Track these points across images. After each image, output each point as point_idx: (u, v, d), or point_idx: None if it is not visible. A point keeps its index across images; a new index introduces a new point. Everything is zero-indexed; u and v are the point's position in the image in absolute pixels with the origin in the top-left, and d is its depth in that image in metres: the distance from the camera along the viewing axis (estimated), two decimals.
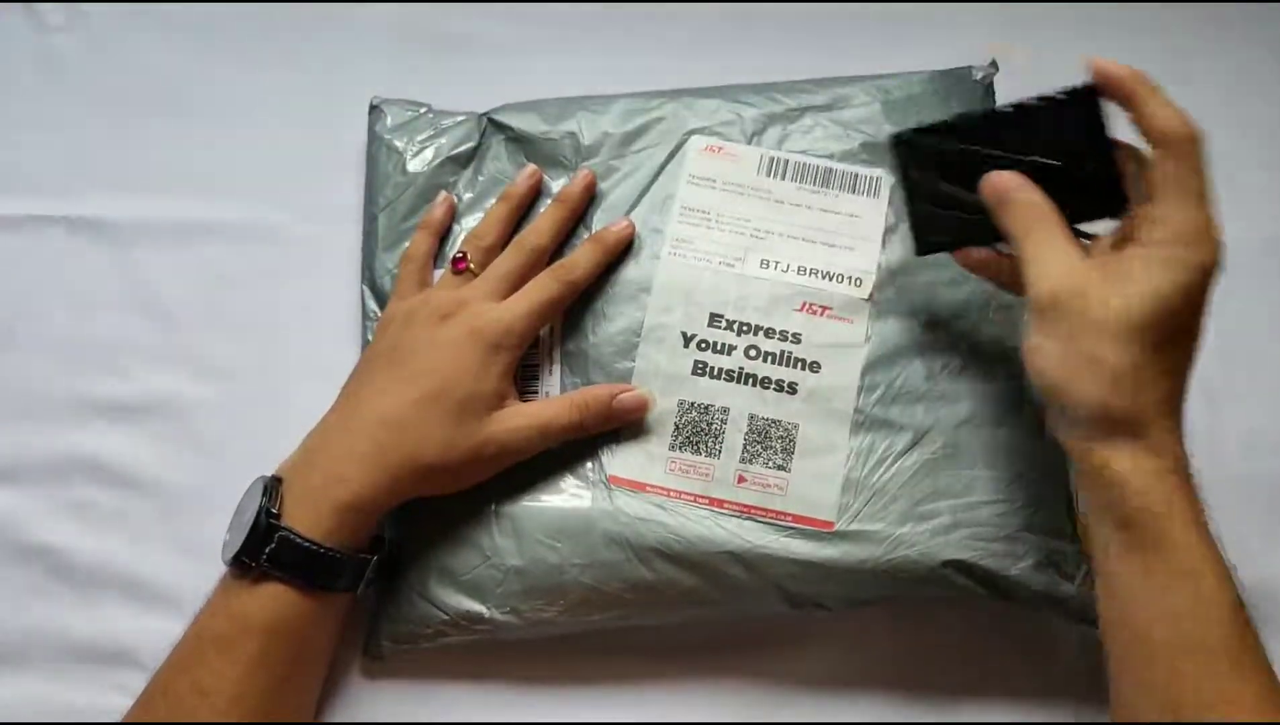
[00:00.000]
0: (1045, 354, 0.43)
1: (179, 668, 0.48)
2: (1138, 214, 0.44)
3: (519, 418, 0.52)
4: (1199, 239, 0.42)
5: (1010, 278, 0.51)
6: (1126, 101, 0.44)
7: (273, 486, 0.50)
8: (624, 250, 0.57)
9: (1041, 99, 0.46)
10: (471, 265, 0.56)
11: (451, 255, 0.56)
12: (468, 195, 0.60)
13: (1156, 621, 0.42)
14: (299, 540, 0.48)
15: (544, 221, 0.57)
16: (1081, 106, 0.45)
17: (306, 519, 0.48)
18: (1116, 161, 0.46)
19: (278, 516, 0.48)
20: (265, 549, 0.48)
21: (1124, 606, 0.43)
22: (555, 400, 0.54)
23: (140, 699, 0.49)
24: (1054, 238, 0.44)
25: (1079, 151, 0.46)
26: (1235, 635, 0.41)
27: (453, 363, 0.51)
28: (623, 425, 0.53)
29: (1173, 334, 0.43)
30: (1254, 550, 0.56)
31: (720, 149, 0.59)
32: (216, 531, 0.58)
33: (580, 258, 0.55)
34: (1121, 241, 0.45)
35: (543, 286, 0.54)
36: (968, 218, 0.49)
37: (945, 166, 0.49)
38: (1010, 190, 0.46)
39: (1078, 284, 0.42)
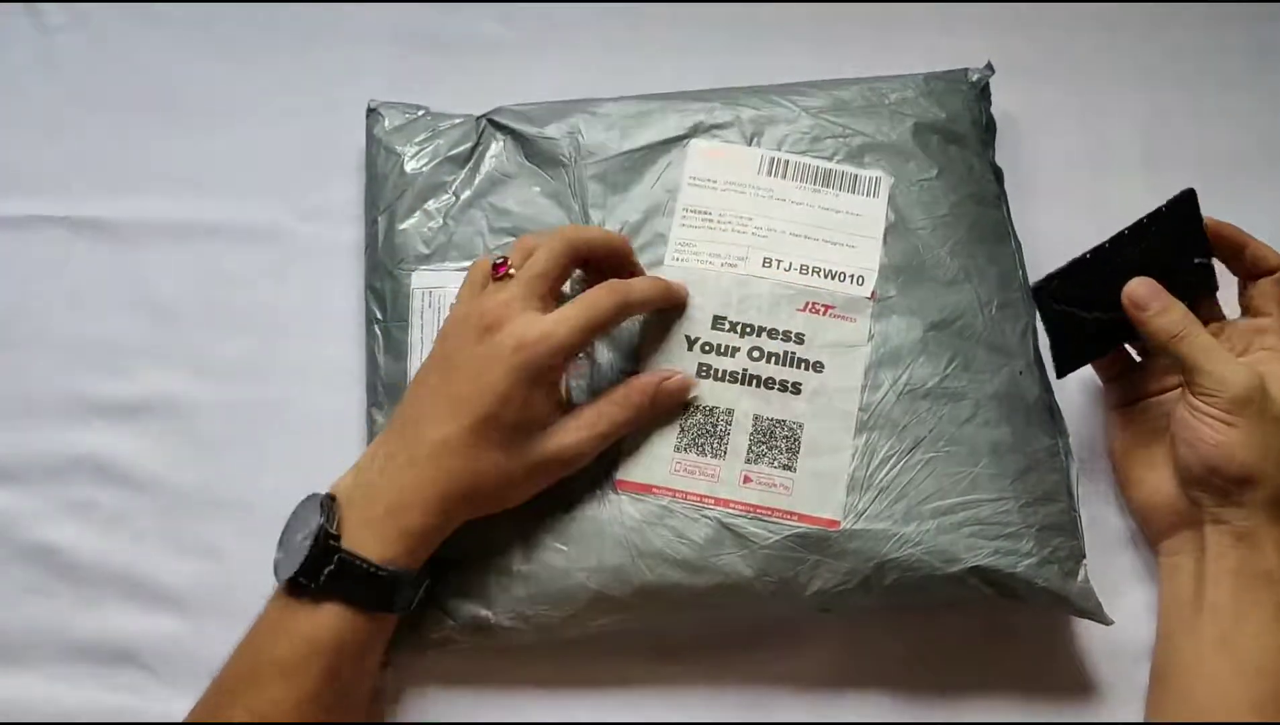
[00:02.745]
0: (1244, 445, 0.50)
1: (234, 691, 0.47)
2: (1249, 326, 0.55)
3: (573, 433, 0.51)
4: None
5: (1111, 373, 0.59)
6: (1239, 247, 0.55)
7: (328, 504, 0.49)
8: (673, 313, 0.55)
9: (1148, 216, 0.54)
10: (513, 271, 0.52)
11: (493, 261, 0.52)
12: (465, 194, 0.60)
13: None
14: (361, 564, 0.47)
15: (595, 229, 0.56)
16: (1182, 210, 0.54)
17: (370, 544, 0.48)
18: (1212, 252, 0.55)
19: (337, 538, 0.48)
20: (324, 570, 0.47)
21: (1239, 659, 0.50)
22: (602, 404, 0.52)
23: (196, 714, 0.48)
24: (1211, 342, 0.52)
25: (1186, 246, 0.55)
26: None
27: (500, 387, 0.48)
28: (673, 404, 0.53)
29: None
30: None
31: (720, 151, 0.59)
32: (216, 531, 0.58)
33: (642, 284, 0.53)
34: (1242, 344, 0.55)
35: (596, 301, 0.51)
36: (1101, 333, 0.55)
37: (1080, 300, 0.54)
38: (1150, 300, 0.53)
39: (1259, 384, 0.50)
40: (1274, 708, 0.48)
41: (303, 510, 0.50)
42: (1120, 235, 0.54)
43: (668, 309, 0.55)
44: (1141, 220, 0.54)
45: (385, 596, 0.48)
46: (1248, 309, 0.56)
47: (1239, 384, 0.50)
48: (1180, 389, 0.53)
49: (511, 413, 0.49)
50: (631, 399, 0.52)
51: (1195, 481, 0.52)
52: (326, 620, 0.47)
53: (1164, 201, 0.54)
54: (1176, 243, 0.55)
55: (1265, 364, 0.52)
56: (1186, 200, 0.54)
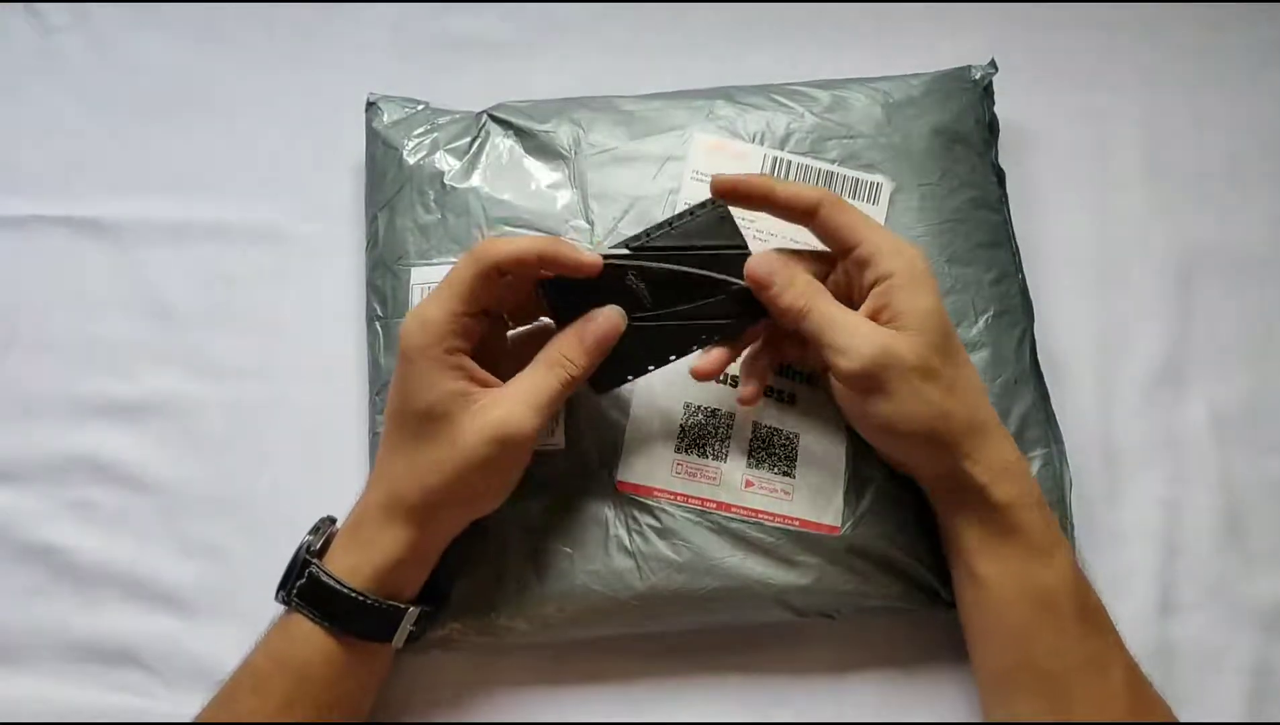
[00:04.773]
0: (894, 413, 0.47)
1: (221, 702, 0.48)
2: (846, 268, 0.49)
3: (500, 404, 0.46)
4: (901, 249, 0.48)
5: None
6: (759, 200, 0.49)
7: (323, 525, 0.50)
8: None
9: (681, 215, 0.49)
10: None
11: None
12: (463, 186, 0.59)
13: (1015, 600, 0.47)
14: (325, 578, 0.47)
15: (510, 241, 0.48)
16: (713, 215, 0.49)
17: (339, 561, 0.48)
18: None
19: (318, 554, 0.48)
20: (296, 584, 0.47)
21: (985, 593, 0.48)
22: (528, 370, 0.48)
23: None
24: (836, 312, 0.47)
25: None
26: (1081, 601, 0.47)
27: (396, 379, 0.48)
28: (607, 347, 0.48)
29: (953, 334, 0.48)
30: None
31: (724, 146, 0.59)
32: (217, 531, 0.58)
33: (508, 242, 0.47)
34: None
35: (456, 267, 0.47)
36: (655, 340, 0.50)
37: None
38: (772, 276, 0.48)
39: (879, 347, 0.46)
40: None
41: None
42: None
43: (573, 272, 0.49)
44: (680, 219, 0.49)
45: (350, 618, 0.47)
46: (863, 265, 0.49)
47: (864, 353, 0.46)
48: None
49: (411, 401, 0.47)
50: (553, 358, 0.48)
51: (905, 460, 0.51)
52: (295, 638, 0.47)
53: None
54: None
55: (882, 307, 0.47)
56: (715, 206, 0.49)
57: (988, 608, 0.49)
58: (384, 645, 0.49)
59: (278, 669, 0.47)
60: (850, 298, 0.49)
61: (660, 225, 0.49)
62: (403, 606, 0.48)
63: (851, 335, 0.46)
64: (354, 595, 0.47)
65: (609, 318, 0.48)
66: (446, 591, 0.52)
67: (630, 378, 0.50)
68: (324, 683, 0.47)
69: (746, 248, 0.49)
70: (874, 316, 0.47)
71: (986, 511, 0.48)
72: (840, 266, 0.50)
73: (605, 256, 0.48)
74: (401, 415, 0.47)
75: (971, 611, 0.50)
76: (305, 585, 0.47)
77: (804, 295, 0.48)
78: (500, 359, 0.50)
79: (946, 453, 0.47)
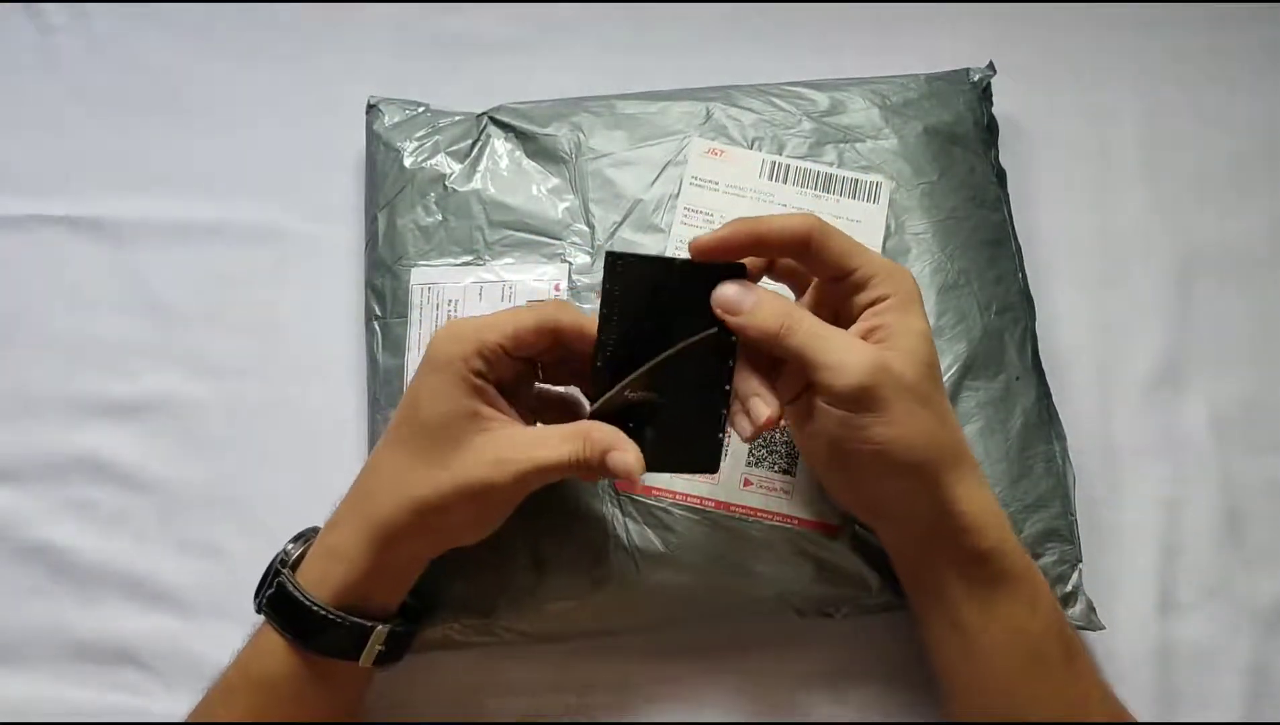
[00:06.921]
0: (890, 436, 0.43)
1: (196, 714, 0.47)
2: (843, 289, 0.46)
3: (505, 449, 0.44)
4: (895, 272, 0.46)
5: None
6: (749, 247, 0.46)
7: (308, 534, 0.49)
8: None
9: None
10: None
11: None
12: (464, 189, 0.59)
13: (1005, 650, 0.46)
14: (290, 589, 0.45)
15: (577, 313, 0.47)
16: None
17: (309, 571, 0.46)
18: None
19: (293, 565, 0.47)
20: (266, 593, 0.46)
21: (972, 643, 0.47)
22: (552, 431, 0.45)
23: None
24: (821, 328, 0.44)
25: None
26: (1064, 641, 0.47)
27: (413, 388, 0.46)
28: (614, 473, 0.44)
29: (937, 364, 0.46)
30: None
31: (722, 152, 0.59)
32: (216, 531, 0.58)
33: (577, 313, 0.47)
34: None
35: (521, 309, 0.47)
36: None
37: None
38: (740, 300, 0.45)
39: (875, 362, 0.43)
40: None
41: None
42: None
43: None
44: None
45: (310, 632, 0.45)
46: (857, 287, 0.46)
47: (860, 367, 0.43)
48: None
49: (423, 407, 0.45)
50: (579, 432, 0.44)
51: (887, 498, 0.47)
52: (261, 649, 0.46)
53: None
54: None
55: (879, 328, 0.45)
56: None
57: (977, 658, 0.47)
58: (353, 664, 0.46)
59: (243, 681, 0.46)
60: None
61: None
62: (370, 624, 0.46)
63: (844, 351, 0.43)
64: (317, 609, 0.45)
65: (630, 465, 0.44)
66: (423, 610, 0.51)
67: (723, 436, 0.47)
68: (287, 699, 0.46)
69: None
70: (865, 337, 0.45)
71: (972, 558, 0.46)
72: (814, 296, 0.48)
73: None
74: (408, 422, 0.45)
75: (957, 663, 0.48)
76: (274, 595, 0.46)
77: (779, 314, 0.44)
78: (520, 403, 0.48)
79: (933, 488, 0.45)
